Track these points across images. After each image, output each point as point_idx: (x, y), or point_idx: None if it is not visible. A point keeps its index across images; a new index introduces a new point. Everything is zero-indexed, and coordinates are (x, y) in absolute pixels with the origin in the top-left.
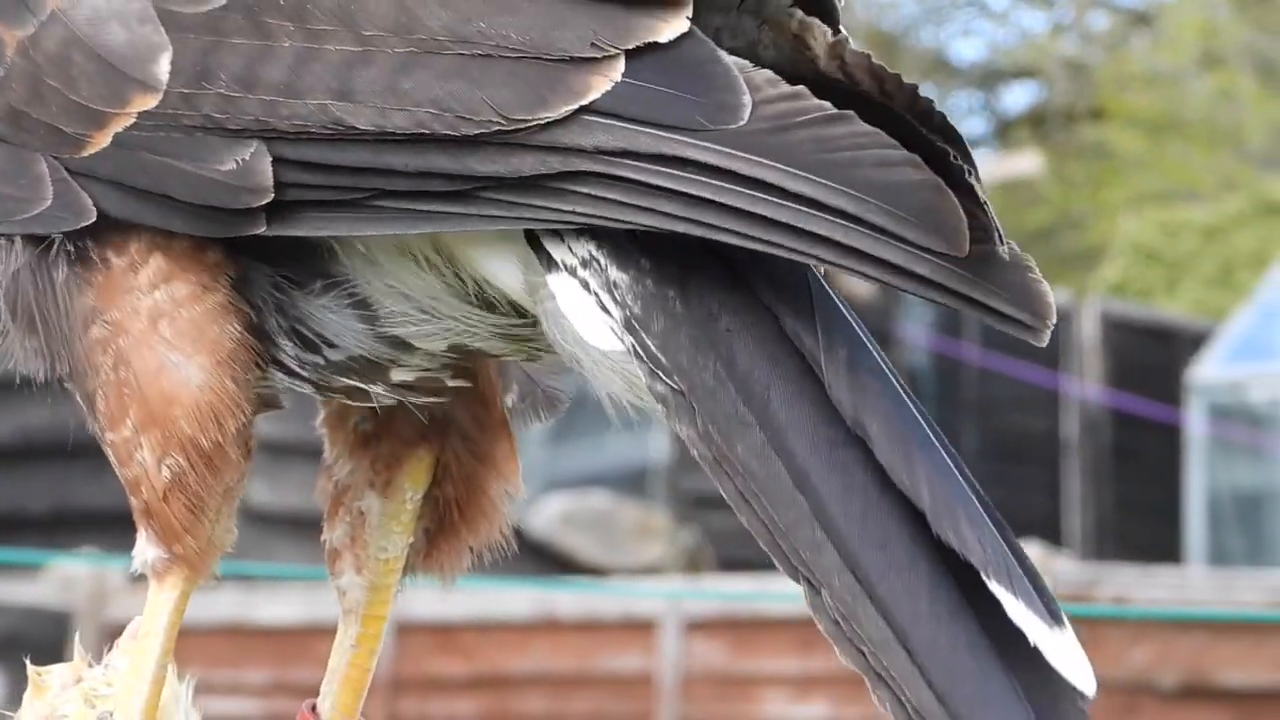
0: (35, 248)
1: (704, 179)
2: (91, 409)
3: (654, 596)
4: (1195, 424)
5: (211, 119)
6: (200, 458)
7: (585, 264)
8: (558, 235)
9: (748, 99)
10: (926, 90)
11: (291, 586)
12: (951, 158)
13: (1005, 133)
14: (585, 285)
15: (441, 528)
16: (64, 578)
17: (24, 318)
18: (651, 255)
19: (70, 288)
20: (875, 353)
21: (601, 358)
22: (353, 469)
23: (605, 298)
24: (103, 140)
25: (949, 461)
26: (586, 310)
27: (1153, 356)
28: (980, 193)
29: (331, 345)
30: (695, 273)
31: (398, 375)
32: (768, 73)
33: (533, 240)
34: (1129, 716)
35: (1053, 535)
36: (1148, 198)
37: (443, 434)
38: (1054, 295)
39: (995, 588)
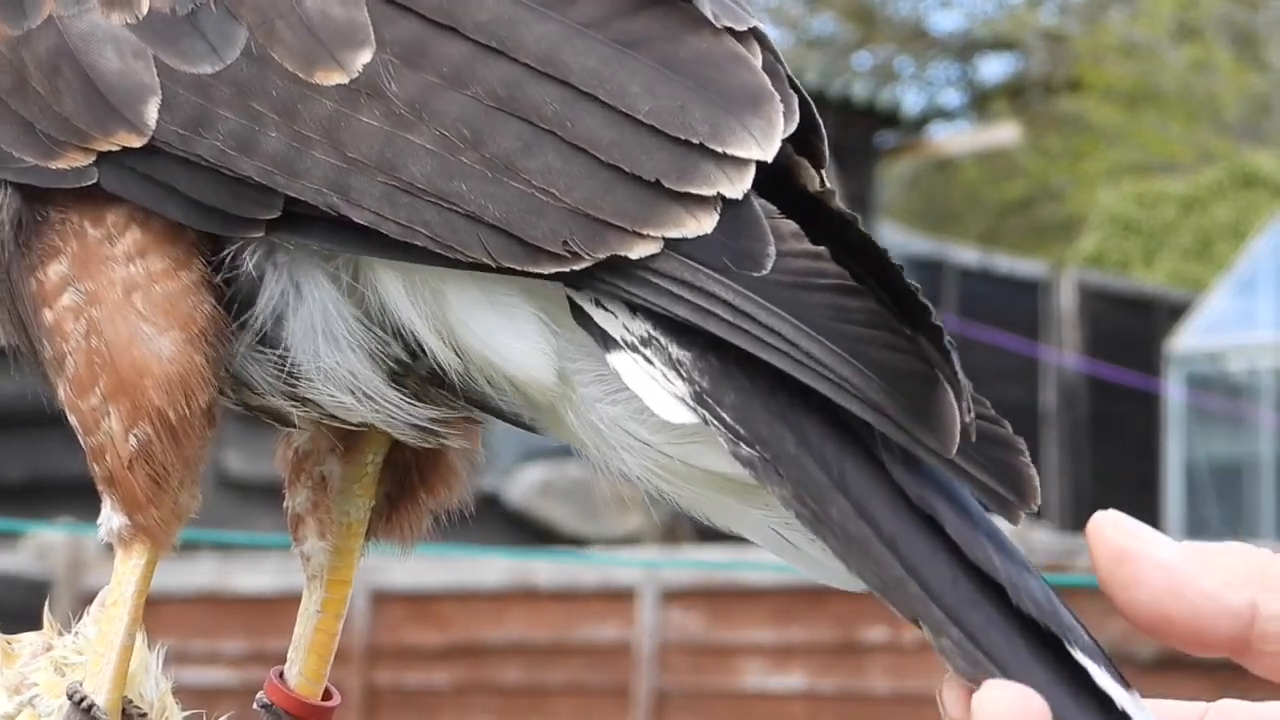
0: None
1: (724, 314)
2: (58, 375)
3: (632, 566)
4: (1173, 394)
5: (207, 160)
6: (167, 429)
7: (645, 342)
8: (612, 315)
9: (772, 250)
10: (903, 63)
11: (269, 555)
12: (933, 338)
13: (983, 104)
14: (650, 361)
15: (402, 491)
16: (41, 546)
17: None
18: (709, 335)
19: (34, 252)
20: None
21: (666, 436)
22: (313, 434)
23: (670, 373)
24: (82, 160)
25: (1002, 536)
26: (653, 386)
27: (1131, 327)
28: (960, 378)
29: (253, 390)
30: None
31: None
32: (793, 225)
33: (581, 320)
34: None
35: None
36: (1125, 169)
37: None
38: (1032, 269)
39: (1079, 656)
